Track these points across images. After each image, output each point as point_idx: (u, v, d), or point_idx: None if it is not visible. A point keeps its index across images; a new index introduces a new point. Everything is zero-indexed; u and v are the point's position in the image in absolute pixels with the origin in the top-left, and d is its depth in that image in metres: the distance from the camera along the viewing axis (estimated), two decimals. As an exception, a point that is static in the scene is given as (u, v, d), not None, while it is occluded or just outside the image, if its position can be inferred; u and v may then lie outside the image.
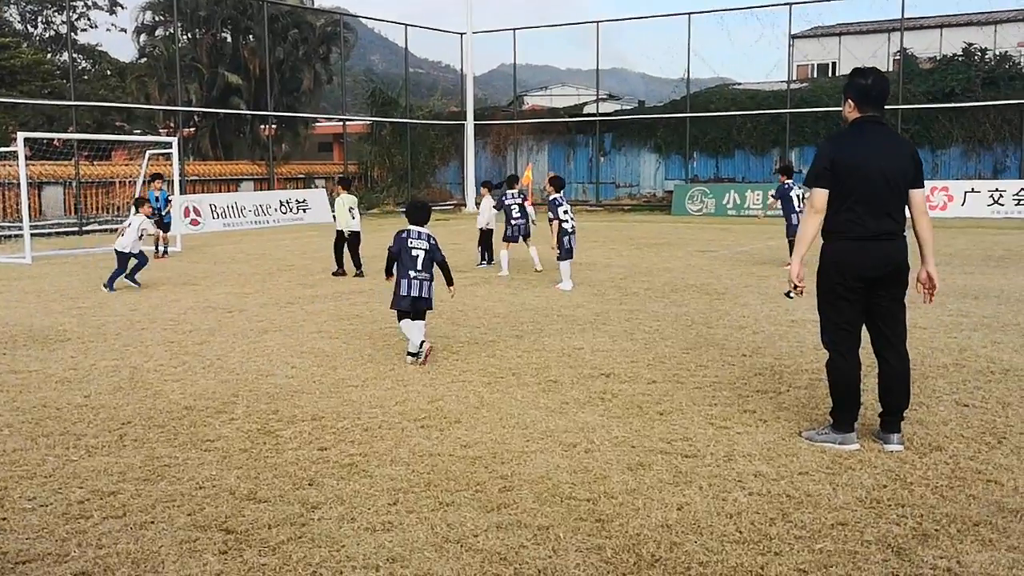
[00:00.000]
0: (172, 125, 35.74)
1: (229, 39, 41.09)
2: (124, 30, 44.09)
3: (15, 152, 19.02)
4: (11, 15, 43.54)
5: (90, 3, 43.86)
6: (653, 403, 6.78)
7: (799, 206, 15.39)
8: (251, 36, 40.18)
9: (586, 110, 39.52)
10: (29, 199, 19.79)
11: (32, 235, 18.67)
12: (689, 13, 34.17)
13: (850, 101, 5.72)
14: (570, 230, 13.16)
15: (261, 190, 33.09)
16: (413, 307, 8.31)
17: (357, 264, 14.84)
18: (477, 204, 16.98)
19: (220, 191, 32.33)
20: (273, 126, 38.62)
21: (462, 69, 39.06)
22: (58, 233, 24.79)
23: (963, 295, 11.92)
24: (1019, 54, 31.10)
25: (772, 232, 22.44)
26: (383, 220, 31.97)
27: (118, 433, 6.17)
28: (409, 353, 8.30)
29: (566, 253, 13.13)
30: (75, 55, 39.42)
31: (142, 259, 13.97)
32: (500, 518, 4.62)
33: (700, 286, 13.24)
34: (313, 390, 7.32)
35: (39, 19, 44.81)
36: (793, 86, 34.07)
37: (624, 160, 37.71)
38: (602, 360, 8.32)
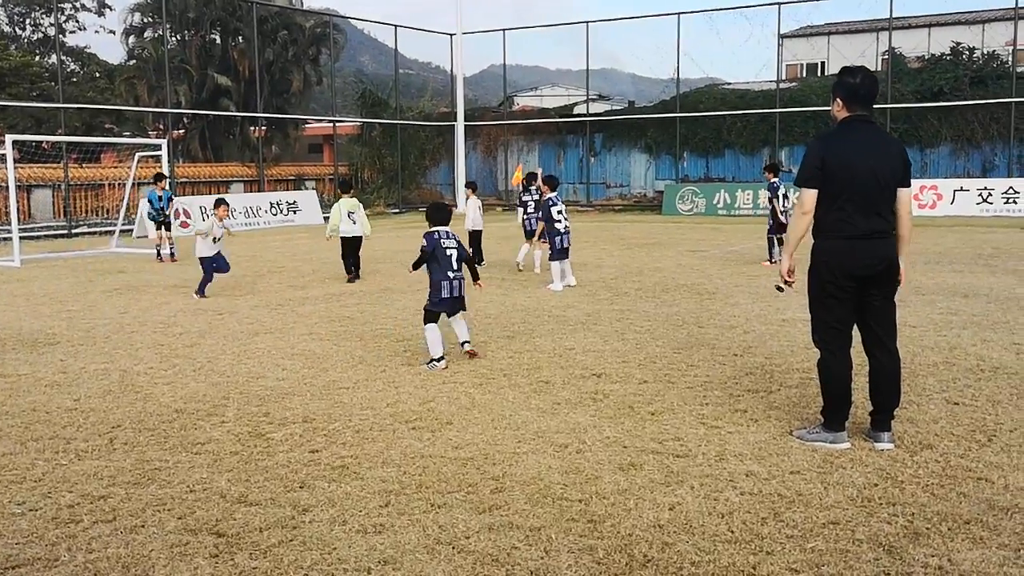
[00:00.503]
0: (161, 127, 35.70)
1: (218, 40, 41.04)
2: (113, 32, 44.03)
3: (3, 155, 18.96)
4: (-1, 17, 43.40)
5: (78, 5, 43.70)
6: (644, 403, 6.78)
7: (784, 205, 15.51)
8: (240, 37, 40.12)
9: (576, 110, 39.53)
10: (18, 202, 19.73)
11: (21, 238, 18.58)
12: (679, 13, 34.24)
13: (839, 100, 5.74)
14: (563, 230, 13.15)
15: (251, 192, 33.02)
16: (453, 307, 8.36)
17: (353, 268, 14.42)
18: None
19: (210, 193, 32.24)
20: (263, 128, 38.57)
21: (452, 70, 39.06)
22: (47, 236, 24.70)
23: (953, 293, 11.96)
24: (1006, 53, 31.19)
25: (762, 232, 22.49)
26: (374, 222, 31.93)
27: (108, 437, 6.14)
28: (429, 362, 8.16)
29: (559, 253, 13.12)
30: (63, 57, 39.30)
31: (213, 267, 12.91)
32: (492, 519, 4.62)
33: (691, 286, 13.25)
34: (304, 392, 7.30)
35: (27, 21, 44.63)
36: (782, 86, 34.15)
37: (614, 160, 37.74)
38: (593, 360, 8.32)
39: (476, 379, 7.66)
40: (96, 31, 51.27)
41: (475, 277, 8.81)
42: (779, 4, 32.77)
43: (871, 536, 4.35)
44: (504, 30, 38.56)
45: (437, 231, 8.35)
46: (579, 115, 38.56)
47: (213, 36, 40.95)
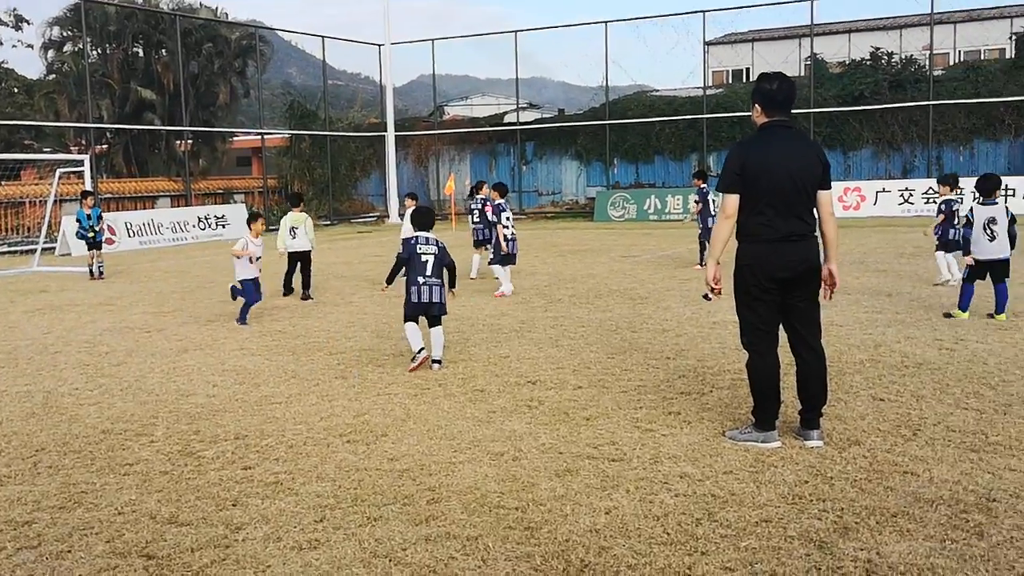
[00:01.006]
0: (83, 142, 34.89)
1: (141, 54, 40.24)
2: (31, 46, 43.02)
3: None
4: (-90, 32, 42.07)
5: (-6, 19, 42.62)
6: (579, 409, 6.82)
7: (714, 210, 15.77)
8: (164, 50, 39.41)
9: (507, 119, 39.66)
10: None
11: (-63, 259, 18.01)
12: (606, 22, 34.61)
13: (758, 106, 5.84)
14: (510, 236, 13.25)
15: (178, 206, 32.47)
16: (425, 312, 8.44)
17: (304, 285, 13.79)
18: (401, 216, 16.86)
19: (136, 208, 31.63)
20: (189, 141, 37.91)
21: (381, 80, 38.88)
22: (-35, 256, 23.96)
23: (877, 292, 12.25)
24: (923, 57, 32.12)
25: (693, 236, 22.78)
26: (305, 234, 31.65)
27: (32, 460, 5.97)
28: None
29: (506, 258, 13.19)
30: (-21, 72, 38.19)
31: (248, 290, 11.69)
32: (429, 530, 4.59)
33: (624, 291, 13.36)
34: (235, 409, 7.19)
35: (-59, 36, 43.39)
36: (709, 92, 34.68)
37: (546, 168, 37.94)
38: (528, 367, 8.34)
39: (411, 390, 7.62)
40: (14, 45, 50.21)
41: (451, 284, 8.80)
42: (703, 12, 33.31)
43: (802, 532, 4.42)
44: (433, 40, 38.55)
45: (416, 237, 8.53)
46: (510, 124, 38.69)
47: (136, 49, 40.15)
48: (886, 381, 7.34)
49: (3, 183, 28.53)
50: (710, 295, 6.02)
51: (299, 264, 13.78)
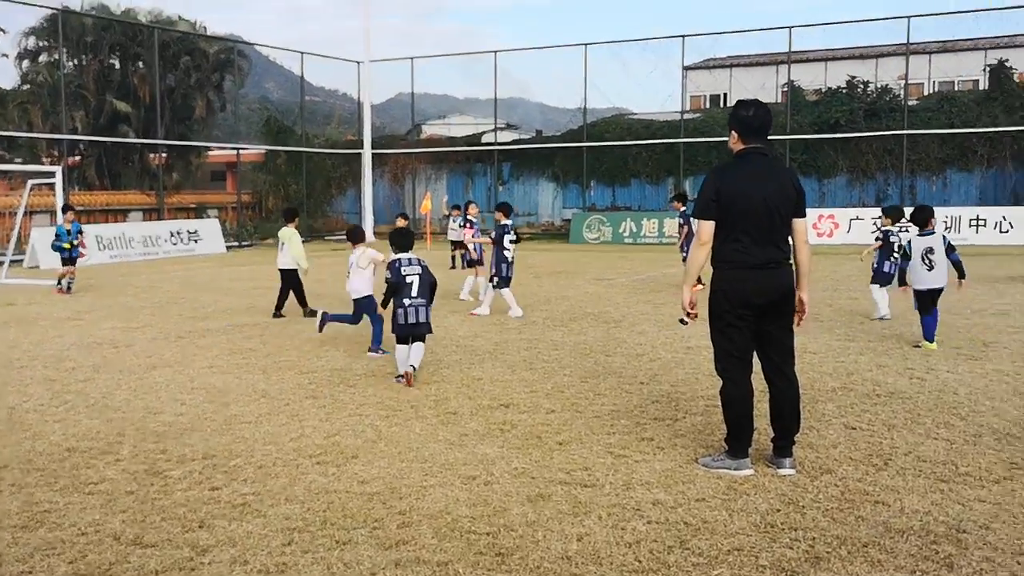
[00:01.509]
0: (56, 154, 34.57)
1: (117, 66, 40.02)
2: (6, 56, 42.49)
3: None
4: None
5: (-31, 28, 42.21)
6: (552, 433, 6.78)
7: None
8: (141, 63, 39.22)
9: (484, 139, 39.73)
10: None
11: (-96, 269, 17.72)
12: (585, 44, 34.81)
13: (734, 133, 5.86)
14: (511, 259, 13.17)
15: (151, 220, 32.22)
16: (412, 332, 8.59)
17: (301, 303, 13.50)
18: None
19: (107, 222, 31.35)
20: (163, 155, 37.69)
21: (360, 97, 38.82)
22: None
23: (850, 320, 12.31)
24: (899, 87, 32.53)
25: (668, 260, 22.89)
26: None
27: (-6, 478, 5.85)
28: (398, 376, 8.64)
29: (505, 281, 13.09)
30: (-48, 81, 37.82)
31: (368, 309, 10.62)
32: (399, 555, 4.53)
33: (598, 314, 13.36)
34: (204, 427, 7.09)
35: (-87, 43, 42.91)
36: (686, 116, 34.93)
37: (523, 189, 38.02)
38: (501, 390, 8.29)
39: (382, 411, 7.55)
40: (-12, 55, 49.57)
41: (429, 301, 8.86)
42: (683, 37, 33.59)
43: (774, 562, 4.40)
44: (412, 58, 38.67)
45: (399, 259, 8.62)
46: (487, 144, 38.75)
47: (112, 61, 39.92)
48: (858, 409, 7.36)
49: (-27, 193, 28.24)
50: (686, 319, 6.02)
51: (285, 283, 13.42)
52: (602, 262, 23.94)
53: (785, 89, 34.22)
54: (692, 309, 5.89)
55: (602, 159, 35.81)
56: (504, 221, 13.41)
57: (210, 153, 43.45)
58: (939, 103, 32.39)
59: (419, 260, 8.69)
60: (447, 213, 20.20)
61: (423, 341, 8.76)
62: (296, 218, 13.76)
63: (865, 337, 10.92)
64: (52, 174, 21.72)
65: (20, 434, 6.95)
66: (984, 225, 27.47)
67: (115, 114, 37.33)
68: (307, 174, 37.05)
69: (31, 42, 38.57)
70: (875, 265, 12.42)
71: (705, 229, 5.72)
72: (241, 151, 36.41)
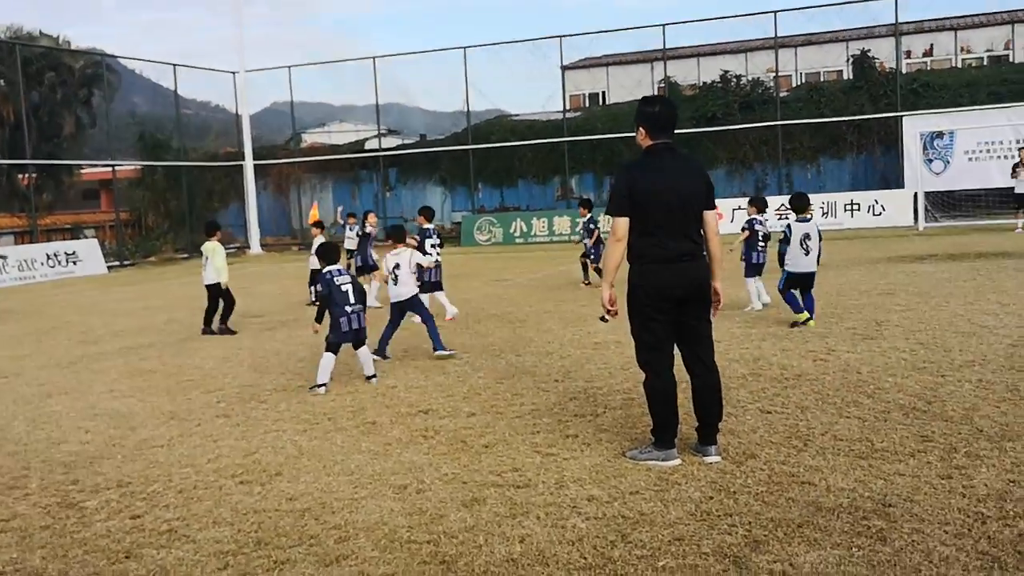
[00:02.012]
0: (-85, 178, 32.77)
1: (-23, 83, 38.18)
2: None
3: None
4: None
5: None
6: (477, 436, 6.75)
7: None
8: (2, 80, 37.50)
9: (368, 145, 39.34)
10: None
11: None
12: (464, 47, 34.82)
13: (642, 129, 5.95)
14: (434, 263, 12.97)
15: (24, 243, 30.83)
16: (356, 339, 8.80)
17: (222, 318, 13.02)
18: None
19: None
20: (33, 175, 36.12)
21: (236, 108, 37.87)
22: None
23: (744, 307, 12.62)
24: (769, 79, 33.59)
25: (562, 258, 23.11)
26: (164, 269, 30.65)
27: None
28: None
29: (434, 286, 12.84)
30: None
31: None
32: (341, 571, 4.44)
33: (501, 315, 13.38)
34: (114, 455, 6.81)
35: None
36: (568, 115, 35.31)
37: (410, 194, 37.77)
38: (417, 397, 8.22)
39: (299, 425, 7.40)
40: None
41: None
42: (560, 37, 33.96)
43: (716, 548, 4.47)
44: (290, 67, 37.96)
45: (329, 271, 8.81)
46: (371, 150, 38.39)
47: (-28, 79, 38.08)
48: (770, 394, 7.56)
49: None
50: (607, 317, 6.07)
51: (212, 297, 12.95)
52: (497, 263, 24.00)
53: (662, 85, 34.94)
54: (612, 306, 5.94)
55: (488, 161, 35.91)
56: (426, 225, 13.29)
57: (83, 171, 41.84)
58: (808, 93, 33.59)
59: (346, 271, 9.01)
60: (341, 222, 19.87)
61: (365, 345, 8.94)
62: (218, 231, 13.36)
63: (764, 323, 11.23)
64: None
65: (-87, 475, 6.55)
66: (858, 209, 28.57)
67: (-23, 134, 35.62)
68: (187, 188, 36.03)
69: None
70: (743, 258, 12.81)
71: (620, 225, 5.78)
72: (116, 168, 35.17)
